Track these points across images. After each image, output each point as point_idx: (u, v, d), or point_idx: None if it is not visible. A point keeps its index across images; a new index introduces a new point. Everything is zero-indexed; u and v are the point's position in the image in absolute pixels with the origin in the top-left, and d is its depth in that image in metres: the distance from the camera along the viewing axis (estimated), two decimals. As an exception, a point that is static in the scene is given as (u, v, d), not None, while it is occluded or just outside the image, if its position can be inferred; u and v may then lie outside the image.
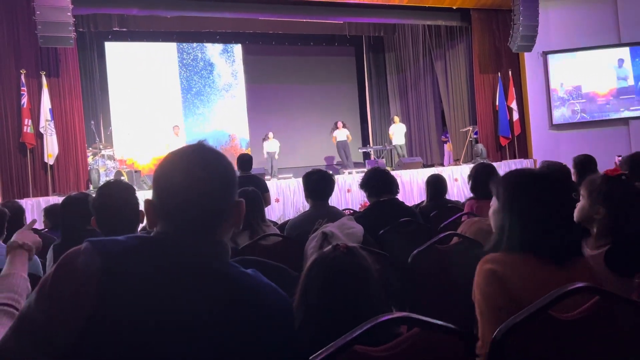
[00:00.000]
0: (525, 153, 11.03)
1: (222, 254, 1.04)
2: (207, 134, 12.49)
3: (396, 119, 12.02)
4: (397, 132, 11.71)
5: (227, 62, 12.95)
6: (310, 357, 1.01)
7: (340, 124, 11.85)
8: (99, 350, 0.89)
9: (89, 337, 0.89)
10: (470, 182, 3.54)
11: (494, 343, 1.10)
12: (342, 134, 11.79)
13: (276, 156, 11.42)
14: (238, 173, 5.45)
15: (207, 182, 1.02)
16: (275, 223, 4.54)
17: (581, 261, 1.52)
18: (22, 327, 0.93)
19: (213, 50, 12.84)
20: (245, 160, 5.50)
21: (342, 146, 11.79)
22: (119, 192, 2.00)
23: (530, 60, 11.09)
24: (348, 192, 8.88)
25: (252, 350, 0.95)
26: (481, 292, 1.43)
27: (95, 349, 0.89)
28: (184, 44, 12.53)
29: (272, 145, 11.47)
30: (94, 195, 2.14)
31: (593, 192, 1.86)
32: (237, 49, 13.04)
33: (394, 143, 11.73)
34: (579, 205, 1.92)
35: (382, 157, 12.35)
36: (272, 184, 8.59)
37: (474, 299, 1.46)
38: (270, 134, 11.58)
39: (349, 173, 9.57)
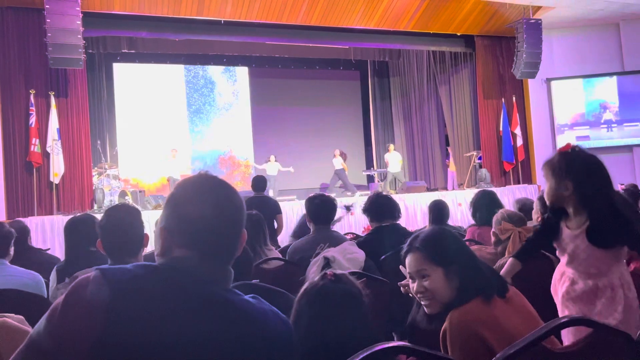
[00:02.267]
0: (529, 179, 11.04)
1: (227, 280, 1.07)
2: (211, 153, 12.59)
3: (391, 147, 11.92)
4: (392, 161, 11.70)
5: (228, 81, 13.07)
6: None
7: (337, 152, 11.84)
8: None
9: None
10: (471, 209, 3.56)
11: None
12: (337, 163, 11.77)
13: (275, 180, 11.42)
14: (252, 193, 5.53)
15: (232, 215, 1.08)
16: (277, 246, 4.55)
17: (512, 290, 1.59)
18: (30, 352, 0.96)
19: (216, 69, 12.98)
20: (259, 181, 5.67)
21: (338, 174, 11.76)
22: (126, 216, 2.04)
23: (534, 87, 11.18)
24: (351, 215, 8.88)
25: None
26: (460, 347, 1.40)
27: None
28: (191, 66, 12.70)
29: (272, 168, 11.52)
30: (99, 216, 2.17)
31: (555, 170, 1.92)
32: (241, 70, 13.18)
33: (389, 171, 11.72)
34: (546, 188, 1.98)
35: (385, 180, 12.35)
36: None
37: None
38: (272, 157, 11.64)
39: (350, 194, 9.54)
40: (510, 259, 2.13)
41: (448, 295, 1.52)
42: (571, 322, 1.14)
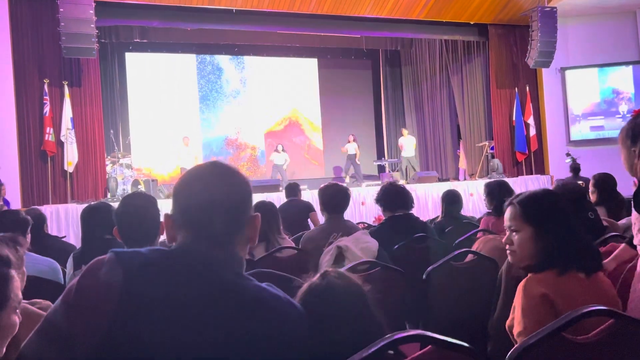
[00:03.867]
0: (542, 169, 10.94)
1: (237, 266, 1.07)
2: (219, 138, 12.62)
3: (404, 131, 11.97)
4: (406, 145, 11.69)
5: (237, 69, 13.04)
6: None
7: (350, 138, 11.89)
8: None
9: (109, 348, 0.92)
10: (486, 198, 3.54)
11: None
12: (351, 148, 11.84)
13: (285, 167, 11.50)
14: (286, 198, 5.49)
15: (226, 196, 1.06)
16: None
17: (600, 272, 1.57)
18: (46, 332, 0.98)
19: (226, 58, 12.94)
20: (291, 188, 5.65)
21: (351, 160, 11.81)
22: (142, 204, 2.06)
23: (548, 76, 11.04)
24: (362, 204, 8.88)
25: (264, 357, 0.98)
26: (528, 314, 1.44)
27: (114, 359, 0.92)
28: (203, 56, 12.69)
29: (280, 157, 11.55)
30: (115, 204, 2.19)
31: (623, 137, 1.79)
32: (254, 59, 13.15)
33: (403, 155, 11.70)
34: (623, 157, 1.82)
35: (397, 170, 12.31)
36: (282, 195, 8.61)
37: (524, 327, 1.43)
38: (280, 147, 11.67)
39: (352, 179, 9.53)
40: (623, 245, 2.03)
41: (531, 255, 1.56)
42: (593, 312, 1.13)
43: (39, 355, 0.96)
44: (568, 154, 9.25)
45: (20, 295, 1.24)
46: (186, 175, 1.11)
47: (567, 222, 1.57)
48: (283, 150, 11.67)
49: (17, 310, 1.23)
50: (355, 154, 11.84)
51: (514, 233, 1.61)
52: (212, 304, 0.98)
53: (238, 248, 1.08)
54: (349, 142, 11.92)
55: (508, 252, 1.64)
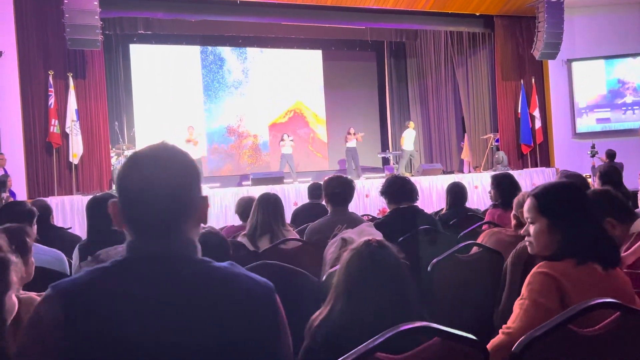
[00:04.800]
0: (547, 162, 10.90)
1: (192, 252, 1.02)
2: (221, 129, 12.63)
3: (411, 124, 11.87)
4: (407, 138, 11.61)
5: (238, 59, 12.99)
6: None
7: (352, 130, 11.74)
8: None
9: None
10: (493, 191, 3.52)
11: (513, 357, 1.10)
12: (351, 141, 11.70)
13: (292, 158, 11.44)
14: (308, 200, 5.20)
15: (164, 181, 0.99)
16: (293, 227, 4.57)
17: (618, 269, 1.59)
18: None
19: (230, 49, 12.88)
20: (314, 189, 5.13)
21: (350, 153, 11.67)
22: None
23: (554, 68, 10.97)
24: (366, 197, 8.88)
25: (239, 339, 0.95)
26: (534, 295, 1.47)
27: None
28: (207, 47, 12.66)
29: (287, 147, 11.53)
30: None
31: None
32: (257, 51, 13.11)
33: (403, 148, 11.63)
34: None
35: (402, 159, 12.25)
36: (292, 187, 8.64)
37: (522, 297, 1.50)
38: (285, 136, 11.63)
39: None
40: None
41: (546, 246, 1.60)
42: (600, 305, 1.13)
43: None
44: (593, 146, 9.28)
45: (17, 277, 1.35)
46: (126, 164, 1.03)
47: (583, 213, 1.59)
48: (289, 139, 11.61)
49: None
50: (356, 147, 11.68)
51: (531, 225, 1.65)
52: (169, 296, 0.94)
53: (190, 233, 1.03)
54: (349, 134, 11.74)
55: (527, 242, 1.69)
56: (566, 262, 1.52)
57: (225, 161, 12.61)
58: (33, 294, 1.60)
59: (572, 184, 1.69)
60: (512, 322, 1.48)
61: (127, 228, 1.01)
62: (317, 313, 1.44)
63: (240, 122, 12.82)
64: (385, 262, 1.39)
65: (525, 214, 1.69)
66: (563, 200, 1.61)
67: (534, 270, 1.54)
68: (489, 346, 1.41)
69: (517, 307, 1.50)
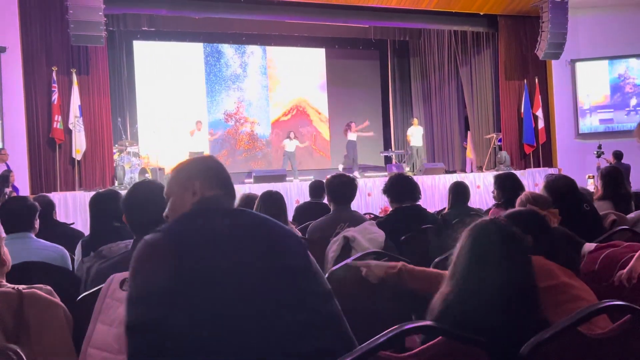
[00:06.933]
0: (549, 162, 10.88)
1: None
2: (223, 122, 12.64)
3: (415, 121, 11.88)
4: (415, 135, 11.59)
5: (242, 56, 12.98)
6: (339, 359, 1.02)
7: (352, 125, 11.60)
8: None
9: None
10: (496, 191, 3.51)
11: (520, 358, 1.09)
12: (352, 135, 11.56)
13: (294, 156, 11.37)
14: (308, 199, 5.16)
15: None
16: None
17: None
18: (143, 334, 1.09)
19: (233, 46, 12.88)
20: (315, 187, 4.93)
21: (351, 147, 11.50)
22: (150, 191, 2.07)
23: (557, 68, 10.94)
24: (369, 195, 8.88)
25: (302, 258, 1.25)
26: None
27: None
28: (210, 44, 12.66)
29: (291, 144, 11.47)
30: (123, 192, 2.19)
31: None
32: (260, 49, 13.10)
33: (411, 145, 11.60)
34: None
35: (404, 162, 12.26)
36: (294, 185, 8.64)
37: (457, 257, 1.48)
38: (292, 134, 11.58)
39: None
40: None
41: None
42: (608, 308, 1.12)
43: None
44: (600, 147, 9.27)
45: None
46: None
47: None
48: (294, 137, 11.55)
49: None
50: (356, 142, 11.53)
51: None
52: (261, 236, 1.23)
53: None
54: (350, 129, 11.61)
55: None
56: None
57: (222, 147, 12.53)
58: (35, 288, 1.61)
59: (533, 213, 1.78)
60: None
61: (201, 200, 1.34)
62: (436, 297, 1.40)
63: (238, 108, 12.78)
64: (514, 236, 1.41)
65: None
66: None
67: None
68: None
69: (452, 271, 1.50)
